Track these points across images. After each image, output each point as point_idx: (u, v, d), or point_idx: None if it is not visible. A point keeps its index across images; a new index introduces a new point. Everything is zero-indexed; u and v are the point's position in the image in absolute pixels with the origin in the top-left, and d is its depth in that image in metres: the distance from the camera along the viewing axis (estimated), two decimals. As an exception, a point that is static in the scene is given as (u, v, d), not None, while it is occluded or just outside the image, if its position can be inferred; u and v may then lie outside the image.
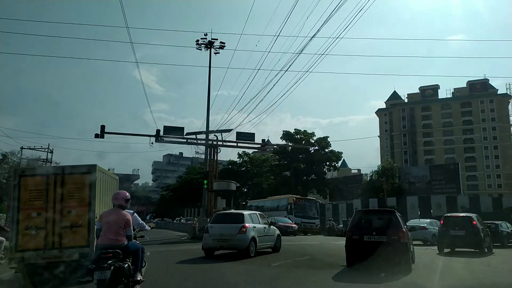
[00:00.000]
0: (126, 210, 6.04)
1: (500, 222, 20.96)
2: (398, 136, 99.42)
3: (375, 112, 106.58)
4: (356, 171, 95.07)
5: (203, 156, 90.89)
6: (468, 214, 16.71)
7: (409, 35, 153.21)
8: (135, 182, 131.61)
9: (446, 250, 15.42)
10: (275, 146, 31.25)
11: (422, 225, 21.46)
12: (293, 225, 31.31)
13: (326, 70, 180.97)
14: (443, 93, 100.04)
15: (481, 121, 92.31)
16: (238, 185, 60.28)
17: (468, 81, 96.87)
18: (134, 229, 6.27)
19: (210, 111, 30.55)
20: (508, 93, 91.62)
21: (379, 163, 63.92)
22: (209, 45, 32.48)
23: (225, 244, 12.67)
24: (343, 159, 74.56)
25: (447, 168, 41.64)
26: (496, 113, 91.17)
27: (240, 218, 12.84)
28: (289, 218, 34.85)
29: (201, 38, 32.39)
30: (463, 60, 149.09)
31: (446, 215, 17.29)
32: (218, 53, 33.32)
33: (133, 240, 6.12)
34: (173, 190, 68.46)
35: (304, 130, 53.31)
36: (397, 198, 38.37)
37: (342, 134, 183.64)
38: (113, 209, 6.01)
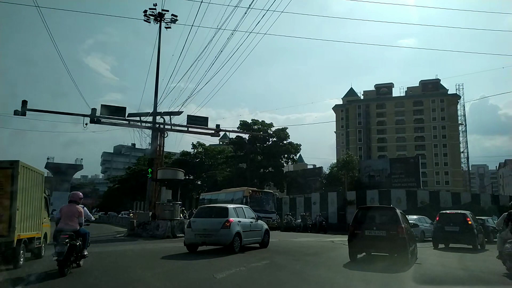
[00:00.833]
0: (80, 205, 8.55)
1: (486, 217, 20.87)
2: (354, 132, 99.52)
3: (332, 108, 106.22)
4: (311, 166, 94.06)
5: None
6: (462, 211, 16.94)
7: (365, 36, 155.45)
8: (82, 174, 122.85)
9: (440, 246, 15.68)
10: (229, 131, 27.95)
11: (411, 222, 20.31)
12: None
13: (285, 67, 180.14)
14: (397, 92, 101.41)
15: (432, 120, 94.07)
16: (191, 177, 56.15)
17: (421, 80, 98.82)
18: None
19: (161, 97, 26.54)
20: (458, 93, 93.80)
21: (335, 159, 62.82)
22: (159, 17, 28.43)
23: (208, 240, 12.03)
24: (300, 155, 72.91)
25: (407, 161, 40.25)
26: (446, 112, 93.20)
27: (224, 212, 12.20)
28: (244, 213, 31.70)
29: (150, 9, 28.24)
30: (415, 61, 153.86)
31: (441, 212, 17.23)
32: (170, 27, 29.35)
33: (83, 227, 8.50)
34: (121, 181, 63.04)
35: (262, 121, 50.43)
36: (357, 191, 36.30)
37: (299, 130, 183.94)
38: (70, 204, 8.48)
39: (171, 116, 26.25)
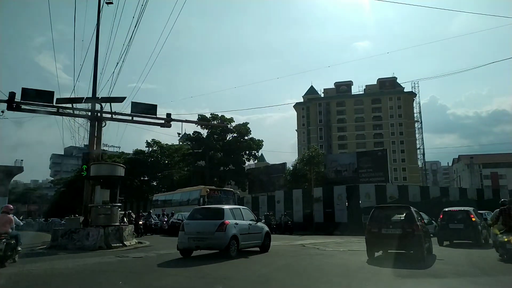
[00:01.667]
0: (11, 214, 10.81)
1: (485, 211, 20.49)
2: (315, 130, 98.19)
3: (293, 106, 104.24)
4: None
5: (111, 149, 78.73)
6: (466, 209, 16.83)
7: (324, 36, 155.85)
8: (33, 179, 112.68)
9: (445, 243, 15.79)
10: (182, 121, 23.77)
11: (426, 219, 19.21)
12: (205, 223, 24.22)
13: (245, 68, 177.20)
14: (356, 89, 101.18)
15: (389, 117, 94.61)
16: (146, 178, 51.09)
17: (379, 78, 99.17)
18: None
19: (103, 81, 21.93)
20: (413, 91, 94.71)
21: (296, 158, 59.87)
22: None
23: (202, 244, 11.19)
24: (262, 154, 69.77)
25: (374, 154, 37.90)
26: (403, 109, 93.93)
27: (220, 214, 11.46)
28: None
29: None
30: (372, 61, 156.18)
31: (444, 210, 16.93)
32: (111, 3, 24.84)
33: (14, 230, 10.81)
34: (67, 184, 56.70)
35: (221, 115, 46.44)
36: (323, 188, 33.39)
37: (260, 131, 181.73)
38: (3, 214, 10.66)
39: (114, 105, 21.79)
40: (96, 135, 20.97)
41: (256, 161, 47.39)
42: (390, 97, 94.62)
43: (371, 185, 31.81)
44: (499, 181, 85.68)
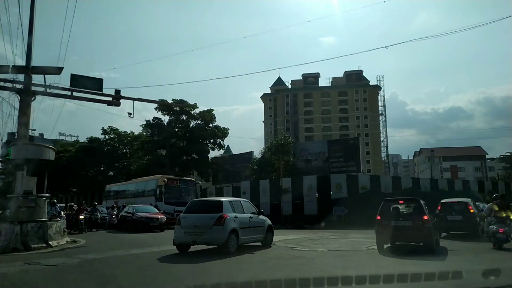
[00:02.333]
0: None
1: (481, 203, 19.89)
2: (282, 122, 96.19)
3: (260, 97, 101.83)
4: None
5: (68, 138, 72.50)
6: (464, 200, 16.64)
7: (290, 30, 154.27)
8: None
9: (443, 234, 15.10)
10: (135, 99, 20.15)
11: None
12: (158, 216, 20.95)
13: (213, 60, 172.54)
14: (323, 82, 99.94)
15: (355, 110, 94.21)
16: (103, 168, 46.60)
17: (345, 71, 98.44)
18: None
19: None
20: (379, 84, 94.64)
21: (263, 146, 57.14)
22: None
23: (198, 239, 10.37)
24: (228, 146, 66.67)
25: (346, 143, 35.70)
26: (368, 103, 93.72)
27: (218, 207, 10.63)
28: (157, 206, 24.42)
29: None
30: (338, 54, 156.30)
31: (442, 201, 16.46)
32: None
33: None
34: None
35: (185, 100, 42.75)
36: (292, 178, 30.85)
37: (226, 123, 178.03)
38: None
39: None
40: (24, 111, 17.04)
41: (221, 151, 44.14)
42: (356, 90, 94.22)
43: (343, 175, 29.59)
44: (458, 173, 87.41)
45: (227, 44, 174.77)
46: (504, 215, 8.63)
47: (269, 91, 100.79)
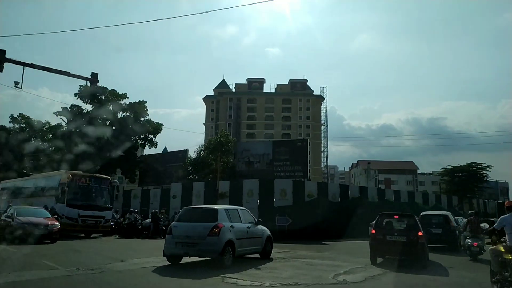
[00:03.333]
0: None
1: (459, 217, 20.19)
2: (224, 126, 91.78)
3: (203, 99, 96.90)
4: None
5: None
6: (444, 213, 17.05)
7: (237, 38, 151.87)
8: None
9: None
10: (26, 64, 14.99)
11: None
12: (48, 222, 15.58)
13: (154, 60, 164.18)
14: (267, 88, 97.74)
15: (298, 118, 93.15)
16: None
17: (290, 79, 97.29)
18: None
19: None
20: (322, 95, 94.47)
21: (201, 144, 51.97)
22: None
23: (191, 250, 9.62)
24: (166, 148, 60.89)
25: (293, 145, 32.21)
26: (311, 112, 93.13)
27: (213, 215, 9.85)
28: (54, 209, 18.85)
29: None
30: (282, 64, 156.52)
31: (422, 214, 16.60)
32: None
33: None
34: None
35: (112, 89, 36.72)
36: (231, 181, 26.66)
37: (166, 127, 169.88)
38: None
39: None
40: None
41: (153, 149, 38.51)
42: (300, 98, 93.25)
43: (288, 181, 26.01)
44: (391, 186, 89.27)
45: (169, 46, 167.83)
46: (510, 257, 6.34)
47: (212, 93, 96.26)
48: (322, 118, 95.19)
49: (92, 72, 18.30)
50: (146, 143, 37.16)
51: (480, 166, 43.53)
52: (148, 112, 37.41)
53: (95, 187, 21.11)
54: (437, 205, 32.26)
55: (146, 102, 37.18)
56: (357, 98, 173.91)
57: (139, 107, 36.84)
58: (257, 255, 11.19)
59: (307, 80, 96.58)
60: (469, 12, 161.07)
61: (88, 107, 36.38)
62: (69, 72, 17.95)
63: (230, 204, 24.78)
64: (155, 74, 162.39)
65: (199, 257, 10.04)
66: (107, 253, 12.21)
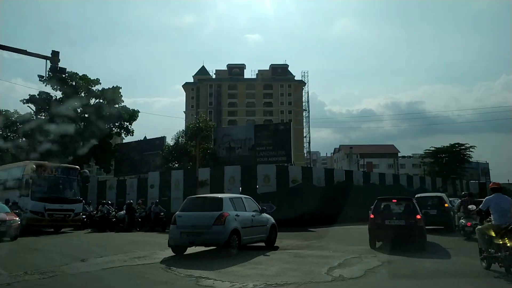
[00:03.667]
0: None
1: (454, 198, 19.84)
2: (204, 113, 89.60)
3: (182, 86, 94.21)
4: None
5: None
6: (438, 194, 17.37)
7: (216, 25, 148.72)
8: None
9: None
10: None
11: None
12: (7, 218, 14.01)
13: (135, 48, 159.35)
14: (248, 74, 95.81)
15: (280, 104, 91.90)
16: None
17: (271, 64, 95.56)
18: None
19: None
20: (303, 80, 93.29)
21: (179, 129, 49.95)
22: None
23: (197, 239, 9.53)
24: (145, 137, 58.62)
25: (276, 129, 30.89)
26: (293, 97, 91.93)
27: (218, 204, 9.81)
28: (16, 203, 17.16)
29: None
30: (264, 49, 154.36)
31: (417, 195, 16.26)
32: None
33: None
34: None
35: (83, 74, 34.40)
36: (212, 168, 25.28)
37: (146, 116, 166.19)
38: None
39: None
40: None
41: (129, 137, 36.55)
42: (282, 84, 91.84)
43: (272, 166, 24.81)
44: (373, 170, 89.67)
45: (149, 34, 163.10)
46: (495, 235, 6.79)
47: (192, 80, 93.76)
48: (304, 104, 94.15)
49: (52, 51, 16.57)
50: (122, 131, 35.18)
51: (464, 147, 43.47)
52: (123, 99, 35.41)
53: (63, 178, 19.36)
54: (422, 186, 31.83)
55: (121, 88, 35.10)
56: (338, 83, 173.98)
57: (113, 93, 34.73)
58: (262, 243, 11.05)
59: (288, 65, 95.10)
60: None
61: (58, 94, 34.10)
62: (25, 50, 16.17)
63: (211, 193, 23.66)
64: (133, 63, 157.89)
65: (205, 246, 9.97)
66: (69, 251, 10.76)
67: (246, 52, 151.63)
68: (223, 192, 23.21)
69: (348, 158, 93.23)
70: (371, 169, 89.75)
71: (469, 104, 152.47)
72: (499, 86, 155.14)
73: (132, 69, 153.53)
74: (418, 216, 10.46)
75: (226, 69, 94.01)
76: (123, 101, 35.58)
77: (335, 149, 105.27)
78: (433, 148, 45.09)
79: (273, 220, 11.55)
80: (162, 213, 19.80)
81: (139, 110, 35.81)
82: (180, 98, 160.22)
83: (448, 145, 44.15)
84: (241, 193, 22.95)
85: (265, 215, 11.37)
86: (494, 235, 6.80)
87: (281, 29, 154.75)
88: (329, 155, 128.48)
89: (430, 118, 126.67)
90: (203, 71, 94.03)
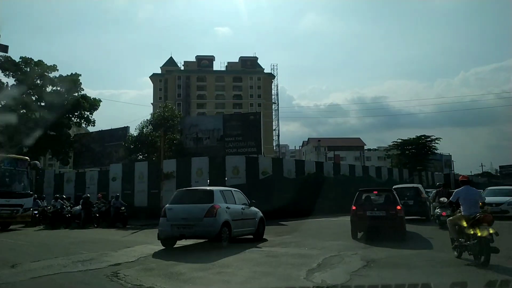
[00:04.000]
0: None
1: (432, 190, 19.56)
2: (173, 105, 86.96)
3: (150, 77, 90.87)
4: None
5: None
6: (415, 185, 17.79)
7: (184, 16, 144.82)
8: None
9: None
10: None
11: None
12: None
13: (101, 39, 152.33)
14: (217, 66, 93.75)
15: (249, 97, 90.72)
16: None
17: (241, 56, 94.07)
18: None
19: None
20: (273, 73, 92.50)
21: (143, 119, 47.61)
22: None
23: (187, 232, 9.37)
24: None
25: (246, 119, 29.61)
26: (262, 90, 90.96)
27: (209, 196, 9.74)
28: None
29: None
30: (233, 43, 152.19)
31: (394, 186, 15.78)
32: None
33: None
34: None
35: (39, 60, 31.58)
36: (178, 160, 23.75)
37: (112, 109, 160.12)
38: None
39: None
40: None
41: (90, 127, 34.14)
42: (251, 76, 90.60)
43: (241, 157, 23.61)
44: (340, 162, 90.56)
45: (114, 24, 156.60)
46: (465, 225, 7.15)
47: (159, 71, 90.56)
48: (273, 97, 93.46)
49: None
50: (82, 121, 32.71)
51: (430, 139, 44.11)
52: (85, 88, 32.92)
53: (10, 170, 17.27)
54: (390, 178, 31.78)
55: (80, 75, 32.59)
56: (306, 78, 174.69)
57: (71, 81, 32.17)
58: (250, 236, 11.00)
59: (258, 58, 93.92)
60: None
61: (10, 81, 31.16)
62: None
63: (178, 186, 22.14)
64: (99, 54, 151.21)
65: (196, 238, 9.88)
66: (2, 254, 9.04)
67: (215, 44, 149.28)
68: (190, 185, 21.83)
69: (317, 150, 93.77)
70: (339, 161, 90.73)
71: (429, 100, 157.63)
72: (458, 82, 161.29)
73: (98, 60, 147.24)
74: (399, 207, 10.57)
75: (195, 60, 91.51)
76: (83, 89, 33.16)
77: (303, 142, 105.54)
78: (400, 140, 45.50)
79: (261, 214, 11.51)
80: (123, 208, 18.09)
81: (101, 100, 33.52)
82: (147, 91, 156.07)
83: (415, 137, 44.67)
84: (208, 185, 21.79)
85: (253, 208, 11.29)
86: (465, 225, 7.02)
87: (251, 23, 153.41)
88: (297, 148, 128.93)
89: (393, 112, 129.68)
90: (171, 62, 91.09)
